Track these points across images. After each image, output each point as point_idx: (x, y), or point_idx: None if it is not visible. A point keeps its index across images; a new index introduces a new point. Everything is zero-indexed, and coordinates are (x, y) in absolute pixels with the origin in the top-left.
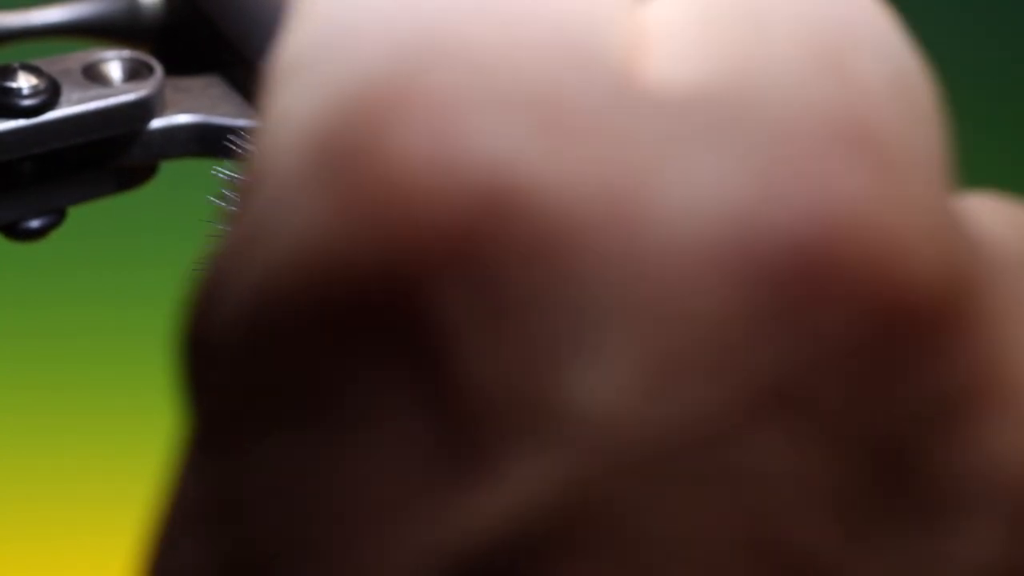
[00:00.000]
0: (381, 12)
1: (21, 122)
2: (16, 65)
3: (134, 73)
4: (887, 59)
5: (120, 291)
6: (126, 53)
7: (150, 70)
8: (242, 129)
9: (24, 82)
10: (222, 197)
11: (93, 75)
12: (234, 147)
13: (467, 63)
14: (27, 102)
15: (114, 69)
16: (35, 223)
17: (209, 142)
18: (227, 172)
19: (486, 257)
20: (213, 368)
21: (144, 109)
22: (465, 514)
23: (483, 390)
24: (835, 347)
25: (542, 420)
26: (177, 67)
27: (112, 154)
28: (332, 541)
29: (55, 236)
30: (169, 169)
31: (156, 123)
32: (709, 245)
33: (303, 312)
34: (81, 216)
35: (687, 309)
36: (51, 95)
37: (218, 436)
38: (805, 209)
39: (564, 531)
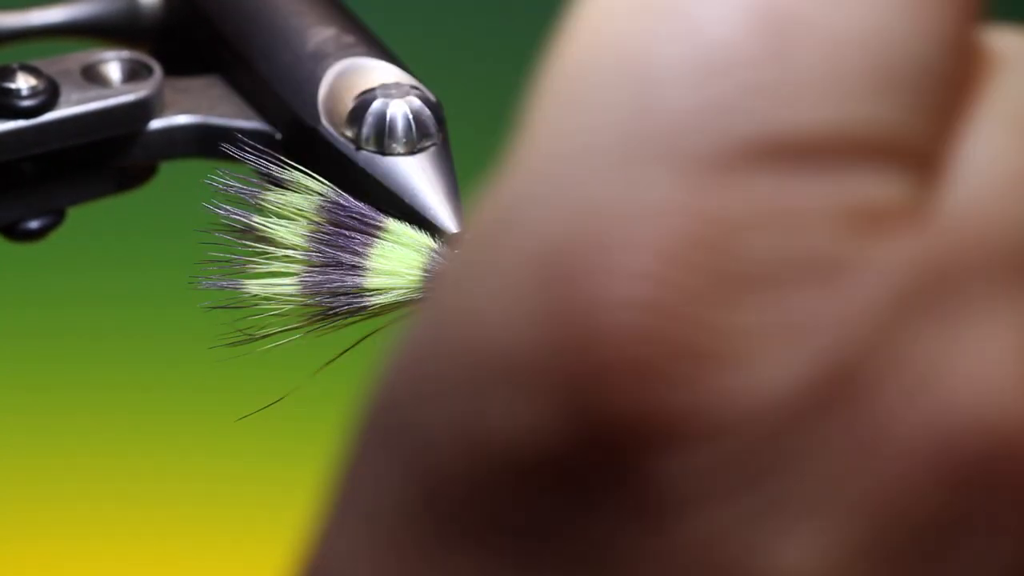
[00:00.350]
0: (598, 151)
1: (20, 123)
2: (15, 66)
3: (133, 74)
4: None
5: (120, 291)
6: (125, 54)
7: (149, 71)
8: (241, 129)
9: (23, 83)
10: (220, 199)
11: (92, 76)
12: (232, 148)
13: (695, 238)
14: (26, 103)
15: (113, 70)
16: (35, 223)
17: (208, 143)
18: (224, 176)
19: (728, 433)
20: (428, 471)
21: (143, 110)
22: None
23: (697, 550)
24: (1014, 550)
25: None
26: (177, 67)
27: (112, 154)
28: None
29: (55, 236)
30: (169, 169)
31: (155, 124)
32: (922, 441)
33: (529, 454)
34: (81, 216)
35: (896, 502)
36: (50, 96)
37: (416, 551)
38: (1007, 410)
39: None
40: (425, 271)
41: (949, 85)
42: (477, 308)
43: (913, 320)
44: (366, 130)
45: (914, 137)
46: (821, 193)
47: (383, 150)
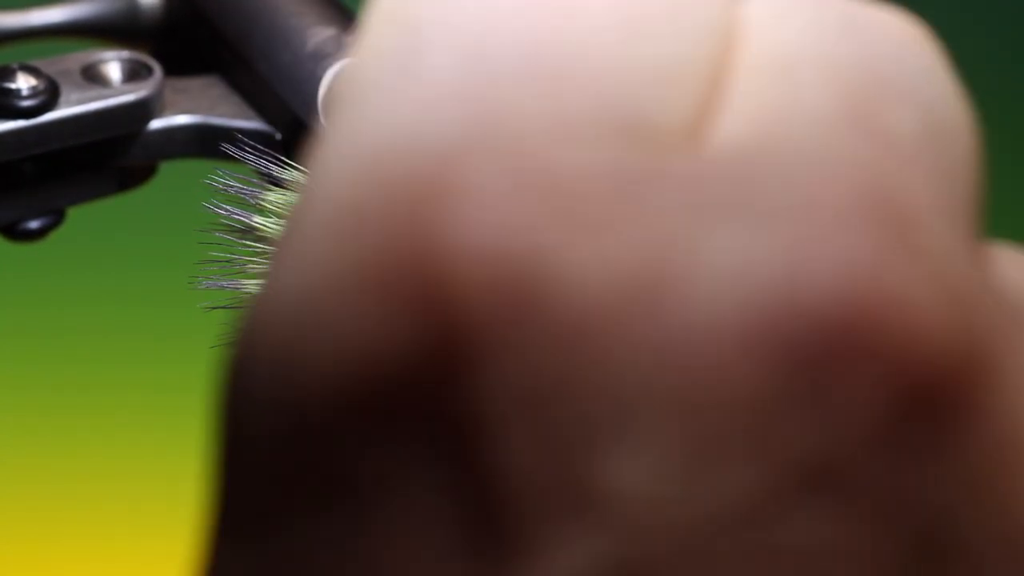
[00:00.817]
0: (432, 71)
1: (20, 123)
2: (15, 66)
3: (133, 74)
4: (920, 107)
5: (120, 291)
6: (125, 54)
7: (149, 71)
8: (241, 130)
9: (23, 83)
10: (220, 199)
11: (92, 76)
12: (232, 148)
13: (504, 151)
14: (26, 103)
15: (113, 70)
16: (35, 223)
17: (208, 143)
18: (224, 176)
19: (520, 349)
20: (244, 446)
21: (143, 110)
22: None
23: (518, 477)
24: (863, 425)
25: (580, 505)
26: (177, 67)
27: (112, 154)
28: None
29: (55, 236)
30: (169, 169)
31: (155, 124)
32: (734, 328)
33: (334, 398)
34: (81, 216)
35: (716, 394)
36: (50, 96)
37: (251, 517)
38: (827, 288)
39: None
40: None
41: (723, 34)
42: (296, 262)
43: (707, 224)
44: None
45: (688, 70)
46: (598, 108)
47: None
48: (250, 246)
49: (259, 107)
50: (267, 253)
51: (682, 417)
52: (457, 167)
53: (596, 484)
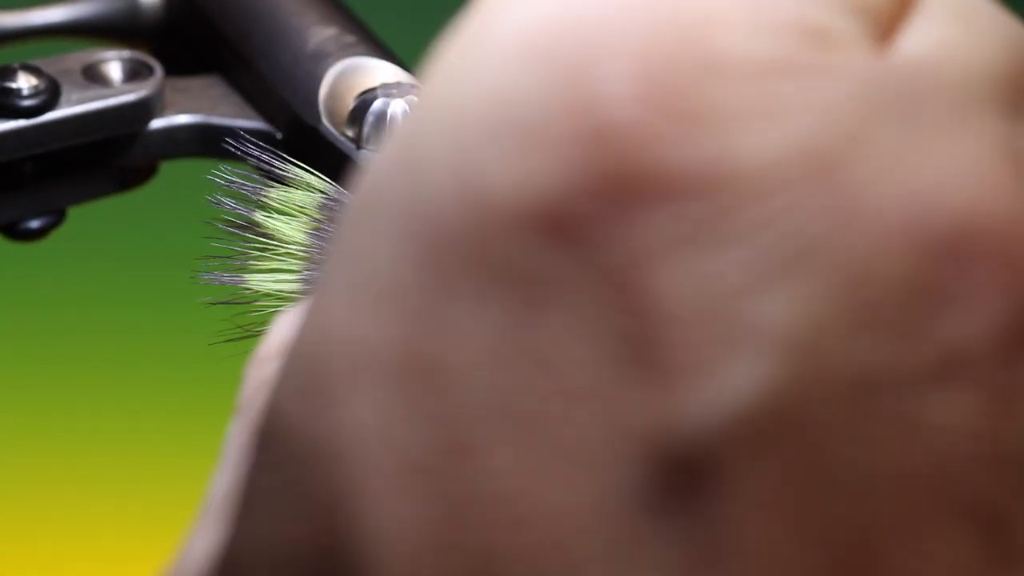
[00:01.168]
0: None
1: (21, 122)
2: (16, 65)
3: (134, 73)
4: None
5: (120, 291)
6: (126, 53)
7: (150, 70)
8: (241, 129)
9: (24, 82)
10: (222, 194)
11: (93, 75)
12: (233, 147)
13: (668, 28)
14: (27, 102)
15: (114, 69)
16: (35, 223)
17: (209, 142)
18: (226, 172)
19: (681, 196)
20: (410, 235)
21: (144, 109)
22: (665, 407)
23: (676, 304)
24: (988, 325)
25: (737, 333)
26: (177, 67)
27: (112, 154)
28: (532, 414)
29: (55, 236)
30: (170, 169)
31: (156, 123)
32: (894, 214)
33: (505, 208)
34: (81, 216)
35: (874, 267)
36: (51, 95)
37: (409, 291)
38: (970, 200)
39: (763, 435)
40: None
41: None
42: (481, 74)
43: (881, 121)
44: (367, 129)
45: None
46: (784, 9)
47: None
48: (251, 241)
49: (259, 107)
50: (268, 249)
51: (842, 280)
52: (617, 37)
53: (754, 320)
